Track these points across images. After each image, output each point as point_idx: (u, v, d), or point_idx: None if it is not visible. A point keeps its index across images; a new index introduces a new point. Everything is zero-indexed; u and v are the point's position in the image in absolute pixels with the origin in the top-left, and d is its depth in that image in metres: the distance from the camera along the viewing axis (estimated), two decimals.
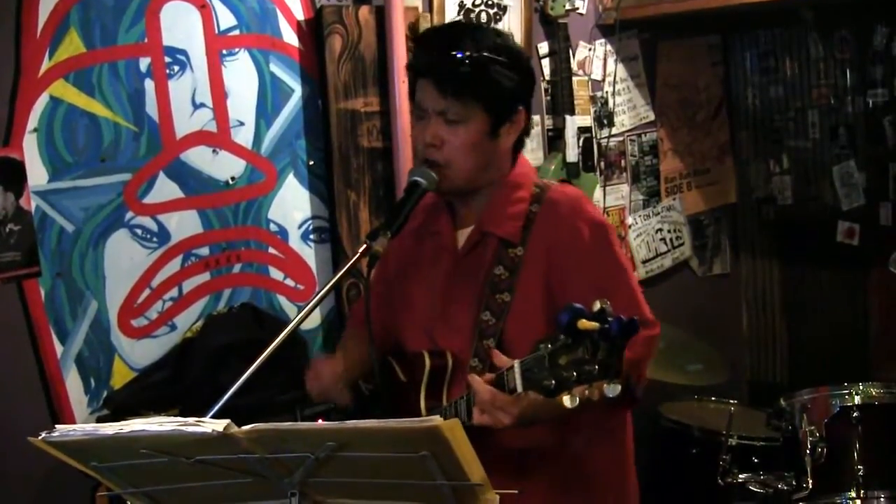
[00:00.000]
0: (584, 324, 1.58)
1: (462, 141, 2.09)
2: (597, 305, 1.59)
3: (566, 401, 1.63)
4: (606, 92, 4.24)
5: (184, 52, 3.09)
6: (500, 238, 2.14)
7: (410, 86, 2.20)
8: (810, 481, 2.95)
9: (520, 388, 1.76)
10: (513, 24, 3.84)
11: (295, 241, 3.38)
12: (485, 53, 2.08)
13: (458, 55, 2.07)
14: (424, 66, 2.15)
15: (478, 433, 1.92)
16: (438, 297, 2.23)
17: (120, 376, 3.03)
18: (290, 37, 3.31)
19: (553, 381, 1.64)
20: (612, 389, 1.58)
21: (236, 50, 3.20)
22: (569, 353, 1.62)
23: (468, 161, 2.11)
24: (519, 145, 2.23)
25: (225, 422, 1.50)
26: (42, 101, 2.83)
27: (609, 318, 1.56)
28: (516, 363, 1.77)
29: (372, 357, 2.14)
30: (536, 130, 3.92)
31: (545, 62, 3.98)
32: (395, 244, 2.32)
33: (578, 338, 1.60)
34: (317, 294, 2.02)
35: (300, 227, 3.40)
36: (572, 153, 3.94)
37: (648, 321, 2.05)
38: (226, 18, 3.17)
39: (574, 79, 4.02)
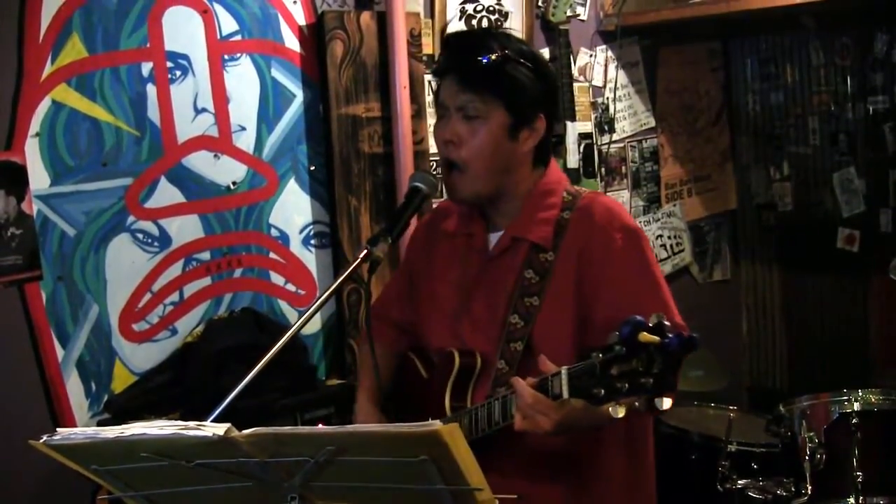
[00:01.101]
0: (645, 336, 1.58)
1: (481, 140, 2.09)
2: (654, 319, 1.60)
3: (613, 411, 1.63)
4: (607, 98, 4.25)
5: (186, 57, 3.10)
6: (532, 243, 2.13)
7: (436, 92, 2.22)
8: (809, 487, 2.95)
9: (565, 395, 1.76)
10: (514, 30, 3.85)
11: (296, 246, 3.39)
12: (508, 53, 2.09)
13: (483, 53, 2.08)
14: (448, 64, 2.16)
15: (496, 437, 1.93)
16: (466, 296, 2.23)
17: (121, 380, 3.03)
18: (292, 42, 3.32)
19: (603, 390, 1.65)
20: (664, 403, 1.59)
21: (238, 55, 3.21)
22: (621, 364, 1.62)
23: (486, 162, 2.10)
24: (544, 154, 2.21)
25: (225, 426, 1.50)
26: (44, 106, 2.84)
27: (669, 334, 1.57)
28: (564, 369, 1.77)
29: (372, 357, 2.14)
30: None
31: None
32: (424, 244, 2.33)
33: (636, 350, 1.60)
34: (318, 299, 2.01)
35: (301, 231, 3.40)
36: (573, 159, 3.95)
37: (681, 327, 2.04)
38: (228, 23, 3.18)
39: (575, 85, 4.03)
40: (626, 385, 1.61)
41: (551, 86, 2.21)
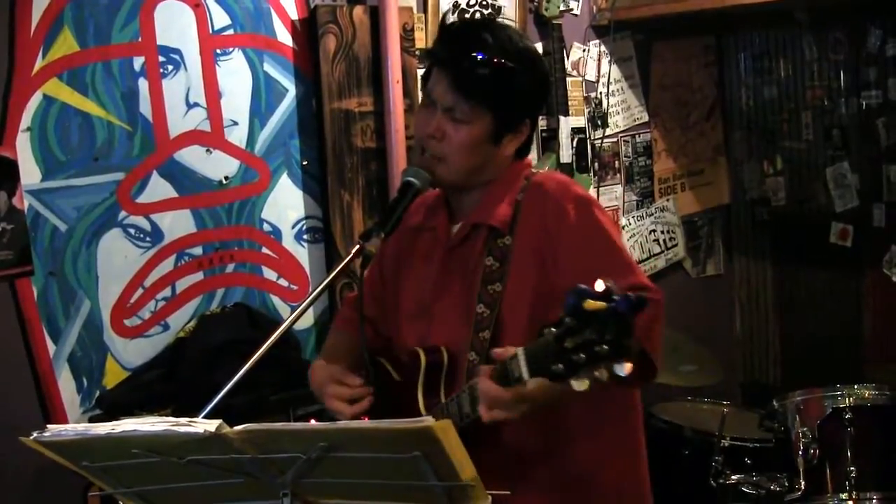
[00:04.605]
0: (590, 304, 1.54)
1: (463, 139, 2.08)
2: (600, 285, 1.55)
3: (576, 384, 1.59)
4: (600, 93, 4.25)
5: (178, 52, 3.09)
6: (490, 228, 2.12)
7: (426, 72, 2.19)
8: (803, 482, 2.96)
9: (526, 376, 1.71)
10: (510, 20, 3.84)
11: (288, 241, 3.38)
12: (505, 60, 2.06)
13: (479, 56, 2.05)
14: (443, 58, 2.12)
15: (473, 433, 1.92)
16: (430, 290, 2.22)
17: (112, 376, 3.03)
18: (285, 36, 3.31)
19: (561, 366, 1.61)
20: (622, 368, 1.55)
21: (230, 49, 3.20)
22: (576, 336, 1.57)
23: (464, 160, 2.10)
24: (522, 153, 2.21)
25: (217, 422, 1.50)
26: (35, 100, 2.83)
27: (615, 297, 1.53)
28: (519, 351, 1.73)
29: (364, 353, 2.13)
30: None
31: None
32: (394, 241, 2.32)
33: (585, 319, 1.56)
34: (310, 294, 2.01)
35: (294, 226, 3.39)
36: (566, 154, 3.94)
37: (647, 287, 2.00)
38: (220, 18, 3.17)
39: (568, 79, 4.03)
40: (583, 356, 1.56)
41: (544, 86, 2.19)
